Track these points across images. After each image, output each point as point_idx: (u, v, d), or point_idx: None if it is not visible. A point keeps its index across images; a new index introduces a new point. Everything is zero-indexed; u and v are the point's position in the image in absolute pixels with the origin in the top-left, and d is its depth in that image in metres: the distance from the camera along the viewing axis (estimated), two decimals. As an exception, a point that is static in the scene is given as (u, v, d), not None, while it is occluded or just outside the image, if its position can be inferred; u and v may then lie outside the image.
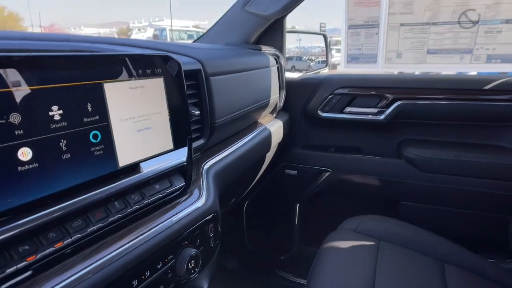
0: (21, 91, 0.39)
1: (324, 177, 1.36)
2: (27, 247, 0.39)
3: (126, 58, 0.52)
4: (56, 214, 0.42)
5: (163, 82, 0.58)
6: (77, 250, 0.44)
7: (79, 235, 0.44)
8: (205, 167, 0.74)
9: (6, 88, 0.37)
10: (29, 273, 0.39)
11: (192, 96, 0.72)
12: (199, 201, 0.63)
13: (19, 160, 0.39)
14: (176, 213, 0.57)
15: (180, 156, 0.62)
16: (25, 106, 0.39)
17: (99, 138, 0.47)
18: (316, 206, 1.47)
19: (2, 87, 0.37)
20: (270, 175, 1.43)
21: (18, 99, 0.38)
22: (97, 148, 0.47)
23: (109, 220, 0.48)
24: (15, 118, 0.38)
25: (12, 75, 0.38)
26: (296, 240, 1.51)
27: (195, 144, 0.72)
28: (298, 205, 1.47)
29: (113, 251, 0.46)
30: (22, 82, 0.39)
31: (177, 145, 0.61)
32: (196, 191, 0.65)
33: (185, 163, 0.62)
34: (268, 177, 1.43)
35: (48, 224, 0.41)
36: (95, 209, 0.47)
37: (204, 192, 0.66)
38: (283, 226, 1.52)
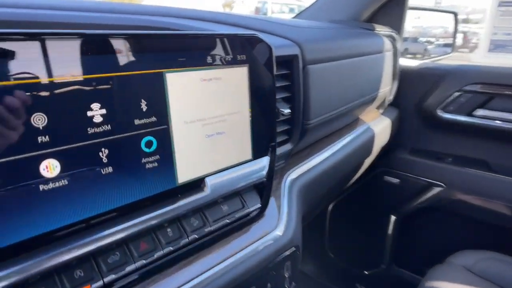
0: (47, 83, 0.28)
1: (435, 192, 1.11)
2: (44, 291, 0.30)
3: (198, 39, 0.38)
4: (89, 248, 0.32)
5: (247, 73, 0.44)
6: (108, 296, 0.33)
7: (114, 276, 0.33)
8: (288, 179, 0.59)
9: (26, 79, 0.27)
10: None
11: (282, 89, 0.56)
12: (277, 229, 0.49)
13: (42, 176, 0.29)
14: (245, 247, 0.44)
15: (259, 167, 0.47)
16: (54, 104, 0.28)
17: (154, 147, 0.36)
18: (417, 224, 1.22)
19: (20, 77, 0.27)
20: (365, 180, 1.22)
21: (43, 94, 0.28)
22: (151, 159, 0.36)
23: (156, 255, 0.36)
24: (38, 120, 0.28)
25: (33, 60, 0.27)
26: (386, 257, 1.29)
27: (280, 150, 0.57)
28: (394, 218, 1.24)
29: (154, 300, 0.35)
30: (50, 70, 0.28)
31: (256, 154, 0.47)
32: (273, 214, 0.51)
33: (265, 179, 0.48)
34: (362, 181, 1.22)
35: (77, 259, 0.31)
36: (141, 238, 0.36)
37: (284, 216, 0.51)
38: (372, 238, 1.31)
